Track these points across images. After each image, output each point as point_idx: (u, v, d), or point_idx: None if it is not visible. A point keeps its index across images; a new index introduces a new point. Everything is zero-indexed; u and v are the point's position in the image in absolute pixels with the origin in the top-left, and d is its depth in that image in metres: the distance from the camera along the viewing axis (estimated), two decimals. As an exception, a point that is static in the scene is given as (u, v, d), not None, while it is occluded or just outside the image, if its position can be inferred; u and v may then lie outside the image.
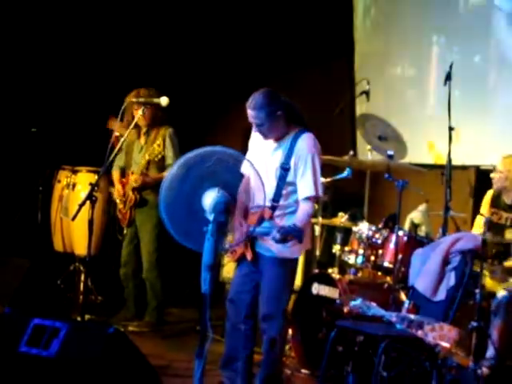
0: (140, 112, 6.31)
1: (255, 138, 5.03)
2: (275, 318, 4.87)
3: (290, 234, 4.50)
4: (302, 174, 4.80)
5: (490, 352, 5.32)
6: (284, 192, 4.82)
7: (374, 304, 4.95)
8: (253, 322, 5.01)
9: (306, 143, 4.83)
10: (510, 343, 5.39)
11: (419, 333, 4.61)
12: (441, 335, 4.61)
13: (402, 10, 7.99)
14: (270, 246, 4.80)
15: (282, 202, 4.84)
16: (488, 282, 5.55)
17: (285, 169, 4.82)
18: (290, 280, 5.02)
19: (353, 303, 5.06)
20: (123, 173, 6.94)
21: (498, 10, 7.08)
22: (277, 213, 4.83)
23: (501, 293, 5.44)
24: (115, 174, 6.95)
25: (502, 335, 5.34)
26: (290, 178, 4.83)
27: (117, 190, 6.86)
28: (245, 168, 4.55)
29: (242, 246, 4.90)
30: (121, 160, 6.89)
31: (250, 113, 4.80)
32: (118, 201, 6.86)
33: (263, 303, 4.91)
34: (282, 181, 4.83)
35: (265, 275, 4.90)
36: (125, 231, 6.91)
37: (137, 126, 6.69)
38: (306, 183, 4.79)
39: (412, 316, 4.80)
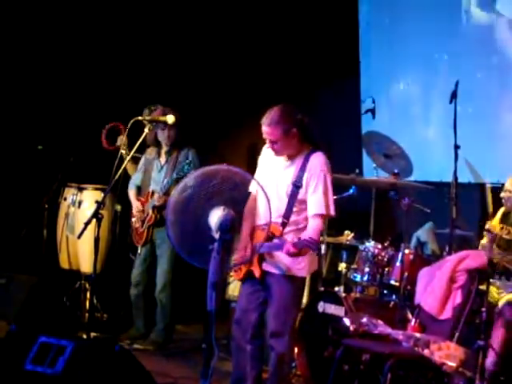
0: (146, 130, 6.31)
1: (266, 154, 5.02)
2: (283, 334, 4.87)
3: (305, 246, 4.52)
4: (314, 191, 4.79)
5: (490, 359, 5.29)
6: (295, 209, 4.82)
7: (380, 322, 4.94)
8: (260, 342, 5.00)
9: (318, 161, 4.84)
10: (510, 351, 5.37)
11: (426, 352, 4.60)
12: (447, 354, 4.60)
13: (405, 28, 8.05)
14: (279, 264, 4.80)
15: (292, 219, 4.83)
16: (494, 298, 5.53)
17: (297, 186, 4.82)
18: (298, 298, 5.02)
19: (362, 320, 5.06)
20: (139, 191, 6.94)
21: (500, 23, 7.10)
22: (287, 229, 4.83)
23: (502, 301, 5.43)
24: (132, 193, 6.94)
25: (502, 342, 5.32)
26: (301, 196, 4.82)
27: (136, 208, 6.84)
28: (252, 186, 4.57)
29: (247, 264, 4.90)
30: (138, 179, 6.89)
31: (264, 129, 4.81)
32: (134, 219, 6.86)
33: (271, 320, 4.91)
34: (293, 198, 4.83)
35: (273, 292, 4.89)
36: (139, 251, 6.89)
37: (157, 145, 6.72)
38: (317, 200, 4.79)
39: (418, 334, 4.79)
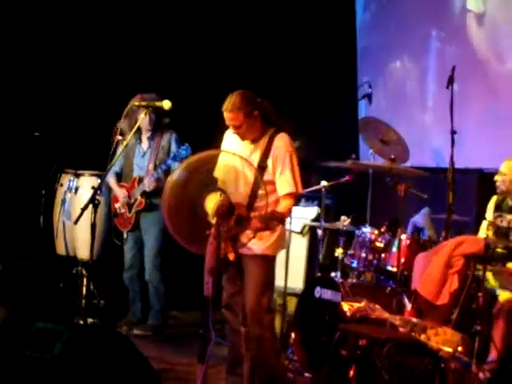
0: (142, 115, 6.29)
1: (230, 140, 5.06)
2: (258, 315, 4.90)
3: (271, 220, 4.53)
4: (281, 172, 4.84)
5: (492, 355, 5.31)
6: (261, 192, 4.78)
7: (377, 306, 4.95)
8: None
9: (282, 142, 4.89)
10: None
11: (422, 337, 4.61)
12: (444, 340, 4.60)
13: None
14: (248, 245, 4.80)
15: (259, 203, 4.79)
16: (491, 283, 5.54)
17: (262, 167, 4.84)
18: (268, 277, 5.03)
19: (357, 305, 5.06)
20: (119, 178, 6.92)
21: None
22: (254, 213, 4.75)
23: (503, 295, 5.43)
24: (112, 180, 6.91)
25: (504, 338, 5.34)
26: (267, 177, 4.84)
27: (122, 194, 6.84)
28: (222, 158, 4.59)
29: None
30: (117, 165, 6.83)
31: (227, 115, 4.87)
32: (118, 205, 6.85)
33: (247, 301, 4.94)
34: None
35: (245, 274, 4.94)
36: (125, 236, 6.90)
37: (137, 131, 6.68)
38: (286, 180, 4.84)
39: (415, 319, 4.80)
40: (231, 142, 5.04)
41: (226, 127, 5.01)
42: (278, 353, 5.39)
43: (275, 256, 5.08)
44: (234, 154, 4.66)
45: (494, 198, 6.04)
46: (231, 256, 4.87)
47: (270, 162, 4.85)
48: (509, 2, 7.13)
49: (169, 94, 6.48)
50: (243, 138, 4.94)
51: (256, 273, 4.92)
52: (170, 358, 5.98)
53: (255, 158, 4.88)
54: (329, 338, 5.49)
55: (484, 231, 5.82)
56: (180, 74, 8.39)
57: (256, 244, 4.84)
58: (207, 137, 7.93)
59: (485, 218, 5.91)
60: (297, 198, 5.10)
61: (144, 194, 6.69)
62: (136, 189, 6.75)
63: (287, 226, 6.30)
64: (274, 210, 4.67)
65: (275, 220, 4.64)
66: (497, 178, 5.97)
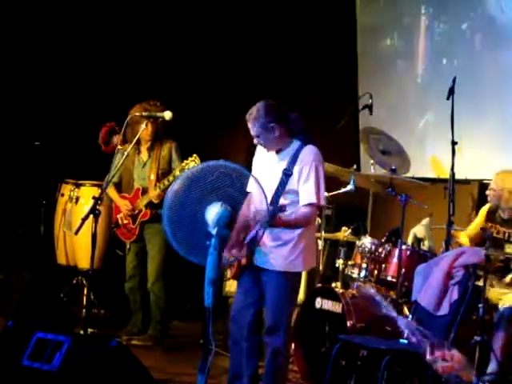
0: (143, 126, 6.29)
1: (260, 153, 5.06)
2: (278, 330, 4.86)
3: (276, 213, 4.52)
4: (305, 182, 4.79)
5: (493, 366, 5.30)
6: (283, 200, 4.80)
7: (390, 305, 4.89)
8: (256, 339, 4.99)
9: (310, 153, 4.85)
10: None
11: (428, 358, 4.55)
12: (449, 366, 4.56)
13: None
14: (275, 260, 4.79)
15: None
16: (491, 295, 5.54)
17: (286, 174, 4.82)
18: (294, 294, 5.01)
19: (371, 290, 5.04)
20: (118, 189, 6.91)
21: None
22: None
23: (503, 306, 5.43)
24: (112, 190, 6.86)
25: (504, 348, 5.33)
26: (291, 186, 4.82)
27: (125, 206, 6.82)
28: (250, 185, 4.56)
29: (239, 262, 4.90)
30: (115, 176, 6.75)
31: (248, 125, 4.86)
32: (121, 216, 6.84)
33: (267, 316, 4.91)
34: (281, 185, 4.83)
35: (269, 289, 4.88)
36: (128, 246, 6.89)
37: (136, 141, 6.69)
38: (308, 190, 4.79)
39: (421, 327, 4.75)
40: (260, 153, 5.05)
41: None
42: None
43: (301, 273, 5.03)
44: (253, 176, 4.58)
45: (487, 207, 6.07)
46: (244, 260, 4.87)
47: (295, 170, 4.80)
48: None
49: (170, 102, 6.52)
50: (266, 148, 4.93)
51: (280, 290, 4.86)
52: (171, 369, 5.97)
53: (281, 167, 4.86)
54: (329, 349, 5.48)
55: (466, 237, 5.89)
56: (183, 83, 8.40)
57: (279, 260, 4.81)
58: (209, 146, 7.99)
59: (481, 229, 5.94)
60: (317, 210, 5.04)
61: (148, 205, 6.69)
62: (140, 200, 6.73)
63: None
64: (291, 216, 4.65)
65: (287, 224, 4.64)
66: (488, 192, 6.02)
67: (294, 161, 4.83)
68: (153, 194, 6.63)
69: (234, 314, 5.02)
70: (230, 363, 5.09)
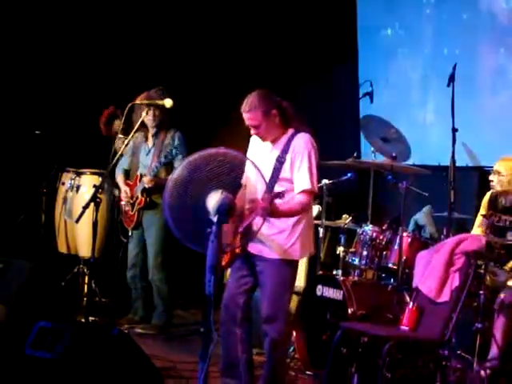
0: (144, 113, 6.30)
1: (253, 144, 5.05)
2: (276, 319, 4.86)
3: (273, 198, 4.52)
4: (299, 169, 4.80)
5: (493, 352, 5.31)
6: (278, 187, 4.77)
7: None
8: (248, 326, 4.99)
9: (303, 140, 4.85)
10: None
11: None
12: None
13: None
14: (272, 247, 4.79)
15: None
16: (491, 281, 5.54)
17: (280, 161, 4.82)
18: (291, 282, 5.00)
19: None
20: (127, 175, 6.94)
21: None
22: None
23: (503, 292, 5.43)
24: (120, 177, 6.94)
25: (505, 335, 5.34)
26: (284, 174, 4.82)
27: (124, 192, 6.85)
28: (247, 172, 4.56)
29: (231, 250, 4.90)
30: (125, 163, 6.89)
31: (246, 116, 4.84)
32: (123, 203, 6.86)
33: (264, 305, 4.90)
34: (275, 173, 4.82)
35: (266, 277, 4.88)
36: (130, 233, 6.91)
37: (144, 129, 6.69)
38: (302, 177, 4.79)
39: None
40: (254, 145, 5.04)
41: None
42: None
43: (298, 261, 5.01)
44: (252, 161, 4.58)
45: (488, 195, 6.03)
46: (238, 249, 4.87)
47: (288, 158, 4.81)
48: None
49: (172, 92, 6.50)
50: (263, 139, 4.91)
51: (278, 279, 4.85)
52: (173, 357, 5.97)
53: (274, 156, 4.86)
54: (330, 337, 5.49)
55: (479, 229, 5.84)
56: (183, 72, 8.38)
57: (275, 248, 4.81)
58: (210, 135, 7.99)
59: (482, 215, 5.91)
60: (313, 197, 5.03)
61: (144, 191, 6.70)
62: (138, 186, 6.75)
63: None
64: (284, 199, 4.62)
65: (283, 212, 4.64)
66: (492, 177, 5.93)
67: (286, 149, 4.84)
68: (145, 180, 6.65)
69: (226, 301, 4.99)
70: (222, 352, 5.02)
